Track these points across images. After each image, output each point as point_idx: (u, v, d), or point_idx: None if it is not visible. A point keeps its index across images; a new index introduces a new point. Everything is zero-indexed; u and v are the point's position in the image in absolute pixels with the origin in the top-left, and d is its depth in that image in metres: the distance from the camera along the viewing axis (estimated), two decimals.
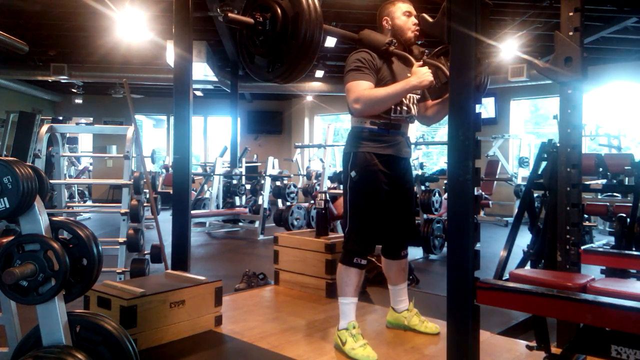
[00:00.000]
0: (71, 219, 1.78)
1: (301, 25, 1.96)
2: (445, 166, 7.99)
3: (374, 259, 3.91)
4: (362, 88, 2.18)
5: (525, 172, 8.96)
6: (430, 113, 2.55)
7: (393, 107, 2.31)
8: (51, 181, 3.56)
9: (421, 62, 2.25)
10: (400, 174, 2.43)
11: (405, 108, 2.37)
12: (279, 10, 2.00)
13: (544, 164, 2.75)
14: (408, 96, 2.36)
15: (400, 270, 2.60)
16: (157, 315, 2.41)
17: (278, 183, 8.54)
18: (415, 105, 2.45)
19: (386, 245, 2.58)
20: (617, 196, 5.61)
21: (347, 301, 2.33)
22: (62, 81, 10.26)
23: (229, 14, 1.97)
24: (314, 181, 9.02)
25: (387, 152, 2.34)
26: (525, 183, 3.03)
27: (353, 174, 2.32)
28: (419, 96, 2.49)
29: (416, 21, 2.36)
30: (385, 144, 2.34)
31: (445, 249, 5.38)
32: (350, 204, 2.34)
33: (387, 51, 2.28)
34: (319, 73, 10.38)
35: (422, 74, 2.19)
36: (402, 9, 2.38)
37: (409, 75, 2.29)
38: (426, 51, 2.38)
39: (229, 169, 9.74)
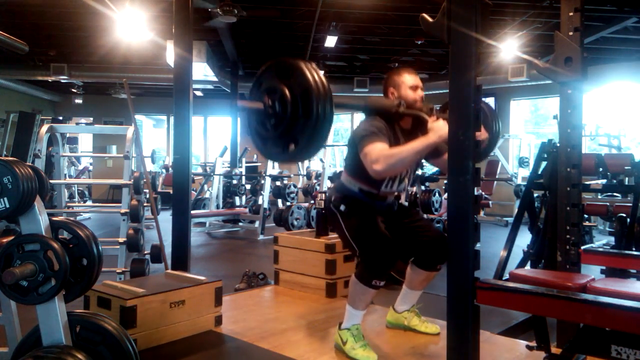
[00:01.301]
0: (71, 219, 1.78)
1: (311, 102, 1.92)
2: None
3: None
4: (380, 149, 2.13)
5: (525, 172, 8.96)
6: (440, 167, 2.57)
7: (385, 180, 2.32)
8: (51, 181, 3.56)
9: (434, 117, 2.18)
10: (396, 214, 2.46)
11: (397, 182, 2.38)
12: (286, 91, 1.97)
13: (544, 164, 2.75)
14: (407, 172, 2.38)
15: (426, 280, 2.53)
16: (157, 315, 2.41)
17: (278, 183, 8.53)
18: (409, 178, 2.46)
19: (419, 258, 2.46)
20: (617, 196, 5.61)
21: (355, 312, 2.31)
22: (62, 81, 10.26)
23: (239, 102, 2.00)
24: (314, 181, 9.02)
25: (371, 207, 2.37)
26: (525, 183, 3.03)
27: (342, 207, 2.34)
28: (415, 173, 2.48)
29: (422, 93, 2.37)
30: (368, 211, 2.34)
31: None
32: (350, 235, 2.31)
33: (397, 113, 2.26)
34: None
35: (439, 128, 2.10)
36: (408, 84, 2.35)
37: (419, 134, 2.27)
38: (436, 107, 2.36)
39: (229, 169, 9.74)
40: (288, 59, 1.99)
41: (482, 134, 2.06)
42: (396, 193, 2.45)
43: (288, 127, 1.99)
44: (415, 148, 2.11)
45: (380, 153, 2.12)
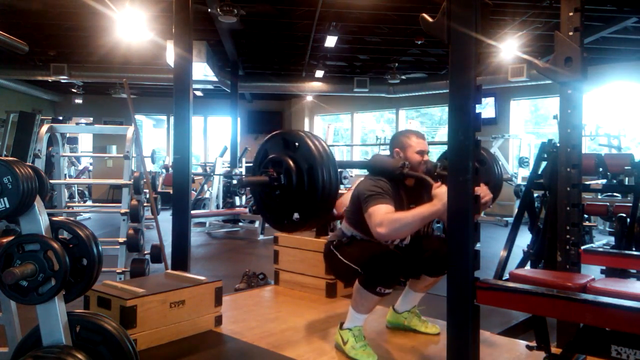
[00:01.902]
0: (71, 219, 1.78)
1: (317, 177, 1.94)
2: None
3: None
4: (384, 212, 2.09)
5: (525, 172, 8.96)
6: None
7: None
8: (51, 181, 3.56)
9: (439, 183, 2.09)
10: None
11: (407, 240, 2.39)
12: (292, 164, 2.00)
13: (544, 164, 2.75)
14: None
15: (432, 284, 2.52)
16: (157, 315, 2.41)
17: None
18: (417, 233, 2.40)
19: (424, 269, 2.43)
20: (617, 196, 5.61)
21: (359, 316, 2.30)
22: (62, 81, 10.26)
23: (244, 178, 2.04)
24: None
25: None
26: (525, 183, 3.03)
27: (343, 239, 2.38)
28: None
29: (427, 158, 2.36)
30: None
31: None
32: (350, 259, 2.27)
33: (401, 174, 2.25)
34: (319, 73, 10.38)
35: (443, 194, 1.95)
36: (415, 148, 2.33)
37: (411, 206, 2.24)
38: (439, 164, 2.35)
39: (229, 169, 9.74)
40: (294, 132, 2.06)
41: (486, 194, 2.05)
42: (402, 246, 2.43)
43: (292, 199, 2.03)
44: (421, 215, 2.04)
45: (385, 217, 2.07)
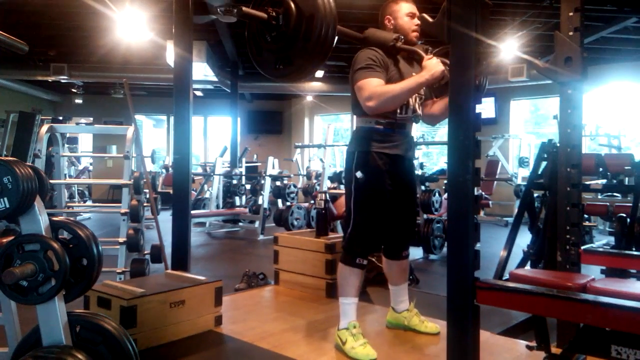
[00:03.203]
0: (71, 219, 1.78)
1: (315, 25, 1.88)
2: (445, 166, 7.99)
3: (374, 259, 3.91)
4: (374, 85, 2.16)
5: (525, 172, 8.96)
6: (436, 111, 2.50)
7: (399, 107, 2.31)
8: (51, 181, 3.56)
9: (431, 56, 2.22)
10: (404, 174, 2.44)
11: (411, 107, 2.37)
12: (293, 7, 1.93)
13: (544, 164, 2.75)
14: (413, 96, 2.36)
15: (401, 271, 2.61)
16: (157, 315, 2.40)
17: (278, 183, 8.54)
18: (419, 105, 2.45)
19: (388, 246, 2.58)
20: (617, 196, 5.61)
21: (348, 301, 2.33)
22: (62, 81, 10.26)
23: (243, 8, 1.93)
24: (314, 181, 9.01)
25: (393, 151, 2.34)
26: (525, 183, 3.03)
27: (359, 174, 2.31)
28: (423, 95, 2.48)
29: (419, 22, 2.35)
30: (392, 144, 2.33)
31: (445, 249, 5.38)
32: (355, 204, 2.33)
33: (394, 47, 2.26)
34: (319, 73, 10.37)
35: (433, 66, 2.16)
36: (405, 10, 2.36)
37: (414, 73, 2.28)
38: (429, 49, 2.37)
39: (229, 169, 9.74)
40: None
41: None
42: (411, 119, 2.42)
43: (286, 44, 1.97)
44: (408, 86, 2.16)
45: (373, 90, 2.14)
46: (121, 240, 3.68)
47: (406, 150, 2.41)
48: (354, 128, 2.49)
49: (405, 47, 2.29)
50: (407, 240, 2.60)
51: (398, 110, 2.32)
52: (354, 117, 2.49)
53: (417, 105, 2.41)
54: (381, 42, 2.27)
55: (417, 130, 9.31)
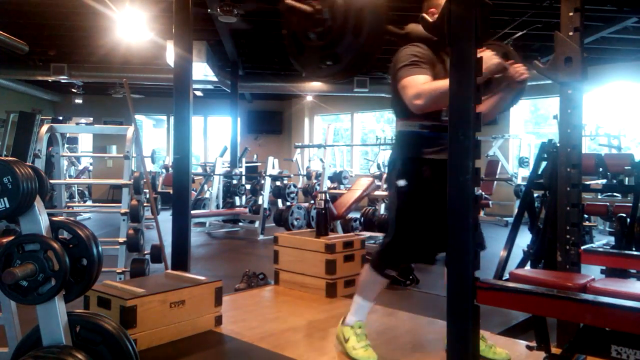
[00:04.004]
0: (71, 219, 1.78)
1: (366, 19, 1.69)
2: None
3: None
4: (421, 82, 1.96)
5: (525, 172, 8.95)
6: (483, 109, 2.24)
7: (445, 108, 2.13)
8: (51, 181, 3.56)
9: (484, 49, 1.96)
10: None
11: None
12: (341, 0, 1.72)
13: (544, 164, 2.75)
14: None
15: None
16: (157, 315, 2.40)
17: (278, 183, 8.53)
18: None
19: (426, 256, 2.37)
20: (617, 196, 5.61)
21: (363, 303, 2.27)
22: (62, 81, 10.26)
23: (286, 0, 1.78)
24: (314, 181, 9.01)
25: (440, 156, 2.11)
26: (525, 183, 3.02)
27: (402, 182, 2.15)
28: None
29: None
30: (438, 148, 2.12)
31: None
32: (397, 214, 2.17)
33: (441, 42, 2.02)
34: None
35: (487, 59, 1.90)
36: None
37: None
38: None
39: (229, 169, 9.73)
40: None
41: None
42: None
43: (333, 41, 1.76)
44: None
45: (422, 88, 1.93)
46: (121, 240, 3.68)
47: None
48: (395, 132, 2.33)
49: None
50: (442, 247, 2.40)
51: (444, 112, 2.12)
52: (395, 119, 2.33)
53: None
54: (426, 36, 2.09)
55: None
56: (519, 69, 2.09)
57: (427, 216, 2.12)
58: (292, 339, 2.52)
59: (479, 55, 1.98)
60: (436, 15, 2.12)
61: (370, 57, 1.79)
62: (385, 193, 7.24)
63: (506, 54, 2.18)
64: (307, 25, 1.81)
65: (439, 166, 2.08)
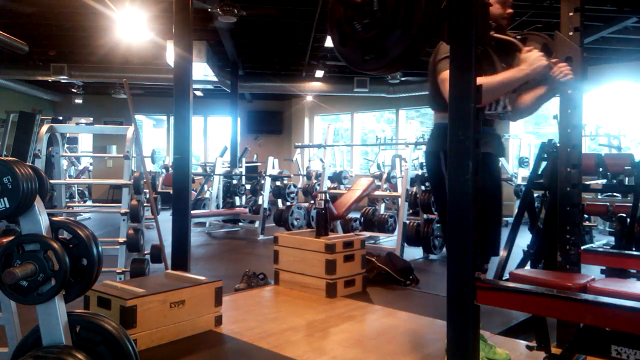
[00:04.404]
0: (71, 219, 1.78)
1: (418, 11, 1.59)
2: None
3: (373, 259, 3.91)
4: None
5: (525, 172, 8.95)
6: (523, 105, 2.26)
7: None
8: (51, 181, 3.56)
9: (531, 47, 1.97)
10: (492, 174, 2.25)
11: (501, 103, 2.16)
12: None
13: (544, 164, 2.75)
14: None
15: None
16: (157, 315, 2.41)
17: (278, 183, 8.54)
18: (509, 100, 2.22)
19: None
20: (617, 196, 5.61)
21: None
22: (62, 81, 10.26)
23: None
24: (314, 181, 9.02)
25: (482, 149, 2.11)
26: (525, 183, 3.02)
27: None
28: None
29: (511, 10, 2.14)
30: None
31: (445, 249, 5.37)
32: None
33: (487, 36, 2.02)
34: (319, 73, 10.38)
35: (534, 59, 1.90)
36: None
37: (503, 65, 2.05)
38: (518, 37, 2.13)
39: (229, 169, 9.74)
40: None
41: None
42: (500, 115, 2.22)
43: (380, 33, 1.67)
44: (505, 79, 1.91)
45: None
46: (121, 240, 3.68)
47: (493, 148, 2.21)
48: (433, 125, 2.28)
49: (500, 37, 2.03)
50: (490, 250, 2.26)
51: (487, 107, 2.10)
52: (433, 112, 2.27)
53: (507, 101, 2.19)
54: None
55: (417, 130, 9.31)
56: (563, 69, 2.04)
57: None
58: (292, 339, 2.52)
59: (526, 54, 1.91)
60: (491, 7, 2.05)
61: (419, 52, 1.69)
62: (385, 193, 7.25)
63: (546, 45, 2.15)
64: (354, 16, 1.71)
65: (481, 158, 2.01)
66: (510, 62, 2.07)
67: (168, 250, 3.51)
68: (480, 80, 1.82)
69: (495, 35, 2.01)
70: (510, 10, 2.15)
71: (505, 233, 2.50)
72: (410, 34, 1.60)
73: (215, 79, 9.46)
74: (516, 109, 2.28)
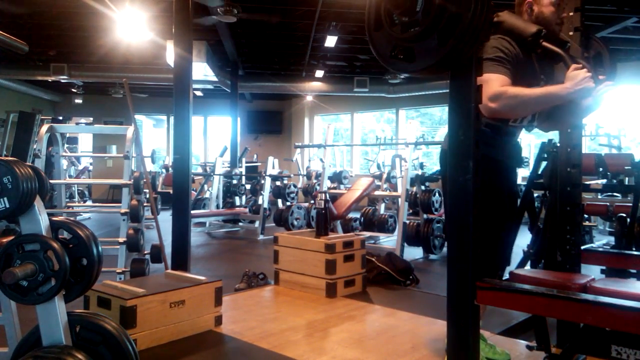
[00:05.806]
0: (71, 219, 1.78)
1: (460, 29, 1.46)
2: None
3: (373, 259, 3.91)
4: (501, 83, 1.78)
5: (525, 172, 8.94)
6: (553, 119, 2.17)
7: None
8: (51, 181, 3.56)
9: (580, 65, 1.79)
10: (509, 183, 2.18)
11: (528, 117, 2.06)
12: None
13: (544, 164, 2.75)
14: None
15: None
16: (157, 315, 2.41)
17: (278, 183, 8.54)
18: (538, 114, 2.12)
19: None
20: (617, 196, 5.61)
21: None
22: (62, 81, 10.27)
23: None
24: (314, 181, 9.02)
25: (498, 157, 2.03)
26: (525, 183, 3.03)
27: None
28: None
29: (566, 14, 2.00)
30: (495, 149, 2.00)
31: (445, 249, 5.38)
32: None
33: (534, 43, 1.86)
34: (319, 73, 10.39)
35: (581, 80, 1.73)
36: None
37: (542, 77, 1.95)
38: (569, 43, 1.97)
39: (229, 169, 9.74)
40: None
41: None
42: (524, 127, 2.14)
43: (414, 37, 1.52)
44: (544, 95, 1.79)
45: (502, 90, 1.76)
46: (121, 240, 3.68)
47: (510, 157, 2.14)
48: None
49: (548, 47, 1.87)
50: (505, 259, 2.18)
51: (512, 119, 2.00)
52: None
53: (536, 115, 2.10)
54: (518, 33, 1.89)
55: (417, 130, 9.31)
56: (605, 89, 1.87)
57: (498, 208, 2.02)
58: (292, 339, 2.52)
59: (573, 72, 1.76)
60: (535, 10, 1.97)
61: (449, 68, 1.57)
62: (385, 193, 7.25)
63: (600, 53, 2.06)
64: (398, 5, 1.55)
65: (497, 166, 2.03)
66: (550, 73, 1.97)
67: (168, 250, 3.51)
68: (517, 90, 1.77)
69: (544, 44, 1.87)
70: (565, 15, 1.99)
71: None
72: (444, 49, 1.48)
73: (215, 79, 9.47)
74: (547, 122, 2.21)
